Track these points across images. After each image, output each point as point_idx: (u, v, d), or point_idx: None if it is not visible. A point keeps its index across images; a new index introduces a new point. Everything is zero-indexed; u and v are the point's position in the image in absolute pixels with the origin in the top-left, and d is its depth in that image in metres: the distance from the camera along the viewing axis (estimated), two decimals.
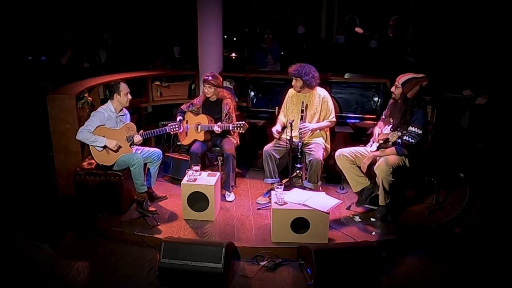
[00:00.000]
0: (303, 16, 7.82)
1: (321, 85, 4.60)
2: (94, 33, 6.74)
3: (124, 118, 4.33)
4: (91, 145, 4.13)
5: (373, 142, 4.18)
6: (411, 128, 3.90)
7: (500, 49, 5.48)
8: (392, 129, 4.01)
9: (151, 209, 4.12)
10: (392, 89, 4.07)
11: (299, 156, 4.37)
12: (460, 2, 6.86)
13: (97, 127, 4.10)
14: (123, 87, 4.19)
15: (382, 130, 4.16)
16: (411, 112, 3.92)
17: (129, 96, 4.26)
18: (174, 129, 4.39)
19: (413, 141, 3.88)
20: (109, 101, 4.23)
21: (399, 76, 4.02)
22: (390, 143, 3.95)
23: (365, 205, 4.29)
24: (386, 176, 3.88)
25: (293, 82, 4.45)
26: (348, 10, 8.33)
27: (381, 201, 4.03)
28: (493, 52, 5.43)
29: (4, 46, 6.86)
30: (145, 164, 4.32)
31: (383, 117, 4.28)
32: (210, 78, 4.49)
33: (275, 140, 4.53)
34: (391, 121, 4.08)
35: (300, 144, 4.35)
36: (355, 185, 4.17)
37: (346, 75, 5.51)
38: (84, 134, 4.05)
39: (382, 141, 4.07)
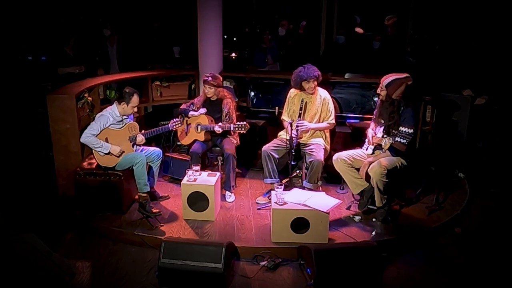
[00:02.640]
0: (287, 17, 7.80)
1: (323, 86, 4.60)
2: (94, 33, 6.73)
3: (127, 118, 4.33)
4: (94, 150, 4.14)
5: (368, 145, 4.18)
6: (401, 128, 3.91)
7: (500, 49, 5.47)
8: (384, 131, 4.01)
9: (154, 210, 4.11)
10: (378, 90, 4.09)
11: (293, 153, 4.31)
12: (460, 3, 6.86)
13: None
14: (134, 100, 4.15)
15: (375, 131, 4.17)
16: (399, 112, 3.92)
17: (136, 109, 4.25)
18: (177, 126, 4.38)
19: (405, 141, 3.89)
20: (114, 104, 4.21)
21: (383, 77, 4.02)
22: (384, 150, 3.96)
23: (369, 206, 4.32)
24: (380, 178, 3.88)
25: (311, 85, 4.36)
26: (348, 10, 8.32)
27: (378, 203, 4.03)
28: (493, 52, 5.42)
29: (4, 46, 6.86)
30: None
31: (374, 117, 4.29)
32: (210, 78, 4.49)
33: (274, 140, 4.53)
34: (382, 122, 4.09)
35: (296, 140, 4.31)
36: (354, 187, 4.18)
37: (346, 75, 5.51)
38: (90, 139, 4.06)
39: (376, 144, 4.07)
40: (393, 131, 3.96)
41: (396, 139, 3.91)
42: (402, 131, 3.90)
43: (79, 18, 7.44)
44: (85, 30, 6.80)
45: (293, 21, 7.66)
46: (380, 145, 4.03)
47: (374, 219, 4.11)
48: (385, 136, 4.01)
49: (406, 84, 3.92)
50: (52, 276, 2.02)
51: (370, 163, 4.00)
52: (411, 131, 3.89)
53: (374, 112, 4.30)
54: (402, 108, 3.93)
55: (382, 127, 4.06)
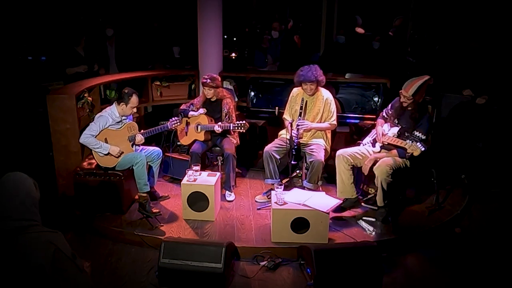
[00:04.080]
0: (278, 19, 7.81)
1: (326, 86, 4.59)
2: (95, 33, 6.75)
3: (126, 119, 4.33)
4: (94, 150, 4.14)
5: (376, 142, 4.17)
6: (415, 133, 3.92)
7: (500, 49, 5.48)
8: (399, 132, 4.00)
9: (154, 210, 4.10)
10: (402, 99, 3.97)
11: (294, 153, 4.30)
12: (460, 3, 6.86)
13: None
14: (133, 101, 4.15)
15: (384, 130, 4.15)
16: (420, 115, 3.94)
17: (135, 110, 4.25)
18: (176, 125, 4.38)
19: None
20: (114, 104, 4.20)
21: (406, 87, 3.89)
22: (409, 154, 3.84)
23: (365, 205, 4.31)
24: (386, 177, 3.88)
25: (309, 87, 4.32)
26: (348, 10, 8.33)
27: (379, 202, 4.02)
28: (493, 52, 5.43)
29: (4, 46, 6.86)
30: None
31: (385, 115, 4.27)
32: (209, 81, 4.49)
33: (275, 140, 4.52)
34: (396, 122, 4.08)
35: (296, 139, 4.30)
36: (341, 191, 4.15)
37: (347, 75, 5.51)
38: (89, 140, 4.06)
39: (386, 143, 4.05)
40: (407, 133, 3.95)
41: (409, 142, 3.87)
42: (416, 135, 3.91)
43: (79, 18, 7.44)
44: (91, 30, 6.81)
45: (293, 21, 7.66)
46: (391, 144, 4.00)
47: (374, 219, 4.11)
48: (395, 135, 3.99)
49: (428, 84, 3.92)
50: (71, 280, 1.97)
51: (376, 160, 3.98)
52: (423, 137, 3.90)
53: (386, 110, 4.28)
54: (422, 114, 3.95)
55: (397, 128, 4.04)
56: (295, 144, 4.29)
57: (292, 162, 4.33)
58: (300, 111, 4.35)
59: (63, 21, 7.27)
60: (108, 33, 6.50)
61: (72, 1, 7.59)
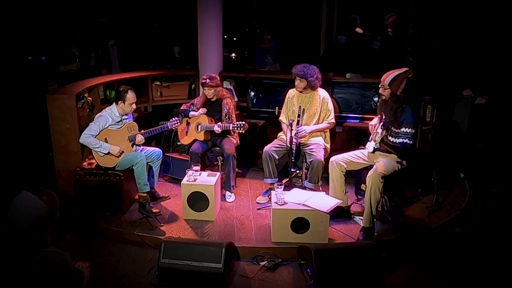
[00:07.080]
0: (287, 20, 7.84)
1: (323, 86, 4.58)
2: (99, 34, 6.76)
3: (126, 118, 4.33)
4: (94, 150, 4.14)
5: (370, 141, 4.12)
6: (403, 129, 3.81)
7: (500, 49, 5.48)
8: (382, 127, 3.92)
9: (154, 210, 4.11)
10: (380, 91, 3.96)
11: (293, 160, 4.27)
12: (460, 2, 6.86)
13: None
14: (130, 97, 4.15)
15: (377, 128, 4.11)
16: (401, 109, 3.84)
17: (134, 106, 4.24)
18: (176, 125, 4.38)
19: (410, 142, 3.83)
20: (113, 104, 4.21)
21: (383, 76, 3.92)
22: (377, 143, 3.84)
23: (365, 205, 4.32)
24: (378, 187, 3.75)
25: (297, 83, 4.41)
26: (348, 10, 8.32)
27: (365, 222, 3.85)
28: (493, 52, 5.43)
29: (4, 46, 6.86)
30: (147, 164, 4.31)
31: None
32: (208, 80, 4.49)
33: (275, 140, 4.52)
34: (383, 118, 4.04)
35: (295, 141, 4.26)
36: (331, 195, 4.07)
37: (348, 75, 5.51)
38: (89, 140, 4.06)
39: (377, 137, 3.99)
40: (392, 128, 3.90)
41: (401, 140, 3.83)
42: (405, 131, 3.81)
43: (79, 18, 7.44)
44: (87, 29, 6.81)
45: (293, 21, 7.67)
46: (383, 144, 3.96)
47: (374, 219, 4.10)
48: (382, 127, 3.92)
49: (406, 78, 3.88)
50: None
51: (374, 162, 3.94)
52: (413, 131, 3.83)
53: (378, 111, 4.28)
54: (403, 106, 3.87)
55: (381, 123, 4.01)
56: (293, 152, 4.24)
57: (292, 170, 4.32)
58: (298, 119, 4.33)
59: (62, 21, 7.28)
60: (110, 42, 6.53)
61: (73, 1, 7.59)
